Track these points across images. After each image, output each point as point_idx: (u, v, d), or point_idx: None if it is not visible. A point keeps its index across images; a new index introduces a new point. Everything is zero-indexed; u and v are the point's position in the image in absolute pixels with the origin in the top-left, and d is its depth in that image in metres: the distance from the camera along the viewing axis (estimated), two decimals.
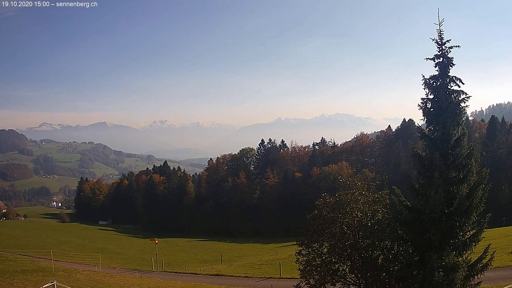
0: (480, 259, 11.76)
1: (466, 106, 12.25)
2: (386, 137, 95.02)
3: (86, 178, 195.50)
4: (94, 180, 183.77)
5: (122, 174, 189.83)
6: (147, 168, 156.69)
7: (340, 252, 13.75)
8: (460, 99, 12.15)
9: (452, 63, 12.19)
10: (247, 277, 31.06)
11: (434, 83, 12.30)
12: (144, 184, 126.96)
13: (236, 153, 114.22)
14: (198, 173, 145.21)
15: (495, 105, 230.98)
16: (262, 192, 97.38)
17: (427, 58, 12.47)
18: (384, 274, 13.19)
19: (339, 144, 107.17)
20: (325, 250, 14.15)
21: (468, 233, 11.92)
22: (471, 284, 11.70)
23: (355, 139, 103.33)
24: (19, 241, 55.94)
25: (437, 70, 12.29)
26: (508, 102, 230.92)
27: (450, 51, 12.17)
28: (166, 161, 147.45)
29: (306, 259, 14.27)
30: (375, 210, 14.00)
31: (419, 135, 12.92)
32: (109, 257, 50.23)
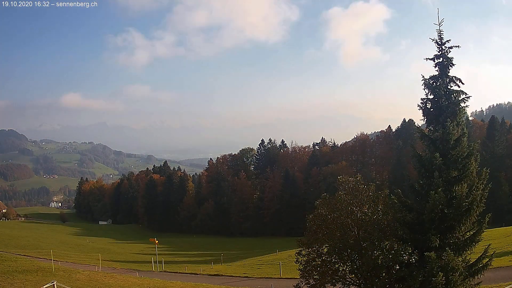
0: (480, 259, 11.76)
1: (466, 106, 12.27)
2: (386, 137, 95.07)
3: (86, 178, 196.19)
4: (94, 180, 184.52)
5: (122, 174, 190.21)
6: (147, 168, 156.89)
7: (340, 252, 13.75)
8: (460, 99, 12.16)
9: (452, 63, 12.20)
10: (247, 277, 31.07)
11: (434, 83, 12.30)
12: (144, 184, 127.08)
13: (236, 153, 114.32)
14: (198, 173, 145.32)
15: (495, 105, 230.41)
16: (262, 192, 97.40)
17: (427, 58, 12.48)
18: (384, 274, 13.20)
19: (339, 144, 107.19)
20: (325, 250, 14.15)
21: (468, 233, 11.91)
22: (471, 284, 11.69)
23: (355, 139, 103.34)
24: (19, 241, 55.81)
25: (437, 70, 12.30)
26: (508, 102, 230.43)
27: (450, 51, 12.18)
28: (166, 161, 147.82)
29: (306, 259, 14.27)
30: (375, 210, 14.00)
31: (419, 135, 12.92)
32: (109, 257, 50.19)
